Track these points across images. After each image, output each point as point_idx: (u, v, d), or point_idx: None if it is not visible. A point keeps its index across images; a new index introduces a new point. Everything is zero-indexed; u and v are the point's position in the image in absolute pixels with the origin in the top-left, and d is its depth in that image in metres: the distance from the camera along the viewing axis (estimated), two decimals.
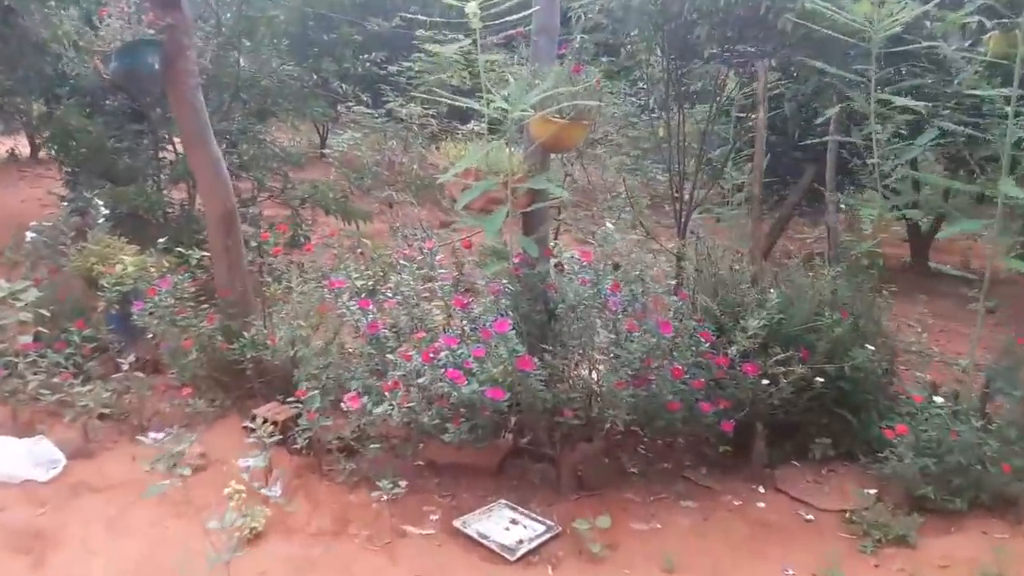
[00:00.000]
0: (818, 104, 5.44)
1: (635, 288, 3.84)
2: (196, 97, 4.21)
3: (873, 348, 4.09)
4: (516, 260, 3.64)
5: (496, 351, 3.39)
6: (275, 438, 3.74)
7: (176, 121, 4.37)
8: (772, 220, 7.38)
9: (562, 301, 3.83)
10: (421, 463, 4.02)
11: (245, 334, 4.41)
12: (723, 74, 5.51)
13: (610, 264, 3.90)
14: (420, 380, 3.45)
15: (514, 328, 3.72)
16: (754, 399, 3.97)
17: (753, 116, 5.94)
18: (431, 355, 3.40)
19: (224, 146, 6.81)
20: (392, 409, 3.43)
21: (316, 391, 3.93)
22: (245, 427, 4.34)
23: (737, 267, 4.33)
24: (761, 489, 4.09)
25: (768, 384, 3.92)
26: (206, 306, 4.65)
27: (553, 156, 4.48)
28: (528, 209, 3.65)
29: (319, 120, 9.85)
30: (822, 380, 3.96)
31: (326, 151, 11.97)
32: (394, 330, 4.09)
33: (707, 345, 3.91)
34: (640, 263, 4.16)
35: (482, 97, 3.48)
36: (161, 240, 5.30)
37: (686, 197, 5.36)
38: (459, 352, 3.45)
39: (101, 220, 5.43)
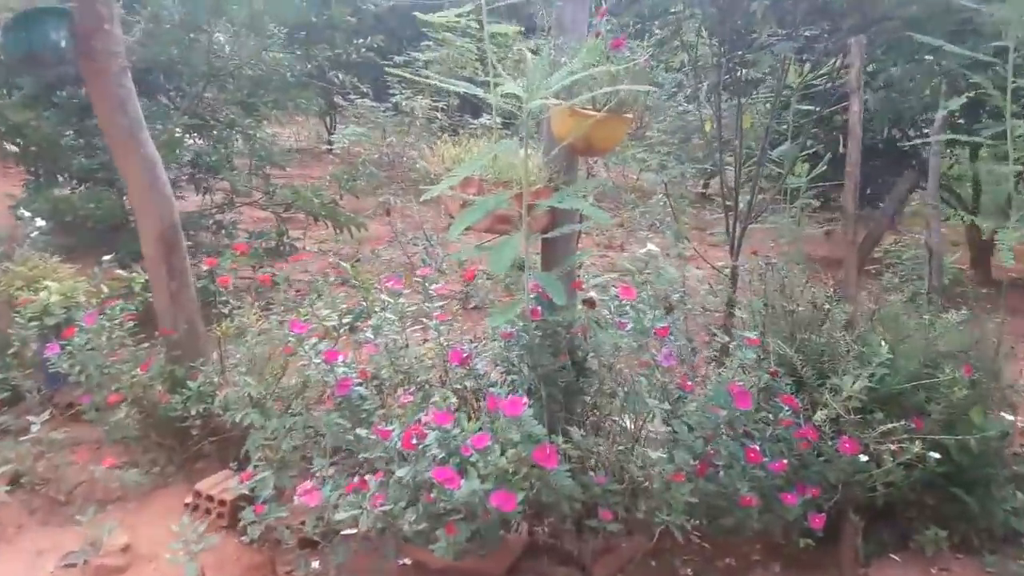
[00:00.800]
0: (912, 95, 4.41)
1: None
2: (121, 84, 3.26)
3: (1009, 415, 3.10)
4: (533, 300, 2.68)
5: (505, 433, 2.43)
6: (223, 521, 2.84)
7: (97, 115, 3.43)
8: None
9: (593, 352, 2.87)
10: (407, 563, 3.06)
11: (190, 383, 3.48)
12: (786, 58, 4.50)
13: (657, 300, 2.92)
14: (400, 473, 2.49)
15: (530, 395, 2.76)
16: (848, 481, 3.00)
17: (809, 107, 4.96)
18: (414, 439, 2.44)
19: (209, 143, 5.91)
20: (361, 513, 2.47)
21: (268, 471, 2.99)
22: (187, 504, 3.43)
23: (821, 302, 3.33)
24: None
25: (867, 461, 2.94)
26: (147, 346, 3.73)
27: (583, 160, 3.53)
28: (550, 235, 2.67)
29: (309, 113, 8.90)
30: (938, 456, 2.98)
31: (334, 147, 11.09)
32: (375, 383, 3.15)
33: (789, 411, 2.94)
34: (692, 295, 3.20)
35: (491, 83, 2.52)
36: (106, 258, 4.37)
37: (741, 205, 4.36)
38: (453, 433, 2.49)
39: (35, 233, 4.50)
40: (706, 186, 10.92)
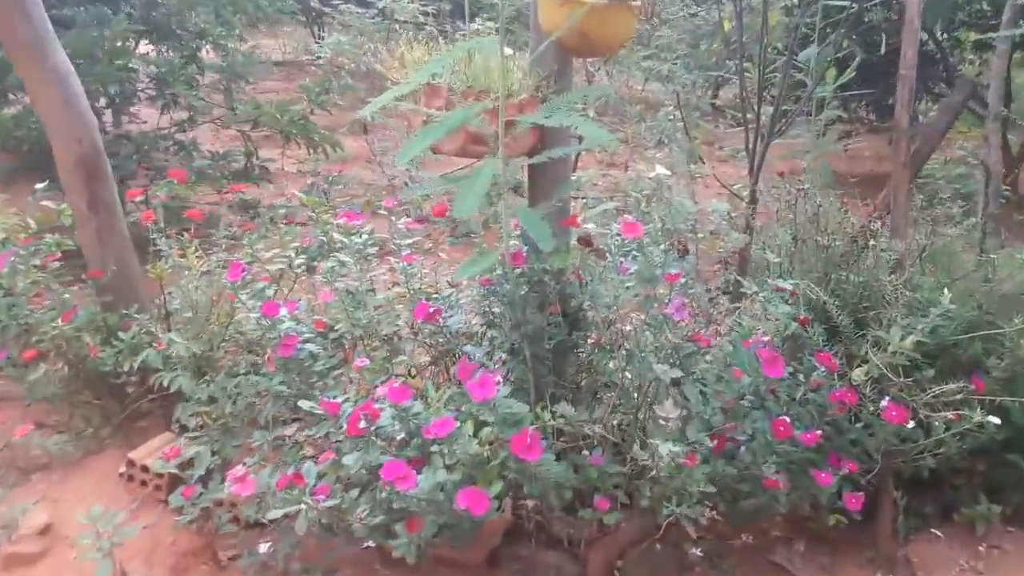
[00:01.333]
0: None
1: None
2: None
3: None
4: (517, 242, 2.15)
5: (478, 412, 1.94)
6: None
7: None
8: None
9: (590, 303, 2.36)
10: (371, 546, 2.62)
11: (122, 335, 2.99)
12: None
13: (670, 243, 2.39)
14: (347, 462, 2.01)
15: (512, 354, 2.27)
16: (889, 450, 2.53)
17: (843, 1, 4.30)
18: (362, 422, 1.95)
19: (179, 57, 5.27)
20: (303, 511, 2.00)
21: (202, 445, 2.52)
22: (122, 474, 2.98)
23: (861, 235, 2.78)
24: None
25: (914, 427, 2.46)
26: (75, 290, 3.22)
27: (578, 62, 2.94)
28: (536, 159, 2.12)
29: (292, 22, 8.19)
30: (998, 422, 2.48)
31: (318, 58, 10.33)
32: (334, 338, 2.65)
33: (823, 370, 2.44)
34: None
35: None
36: (39, 186, 3.82)
37: (763, 119, 3.77)
38: (413, 411, 2.00)
39: None
40: (715, 96, 10.21)
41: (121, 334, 2.99)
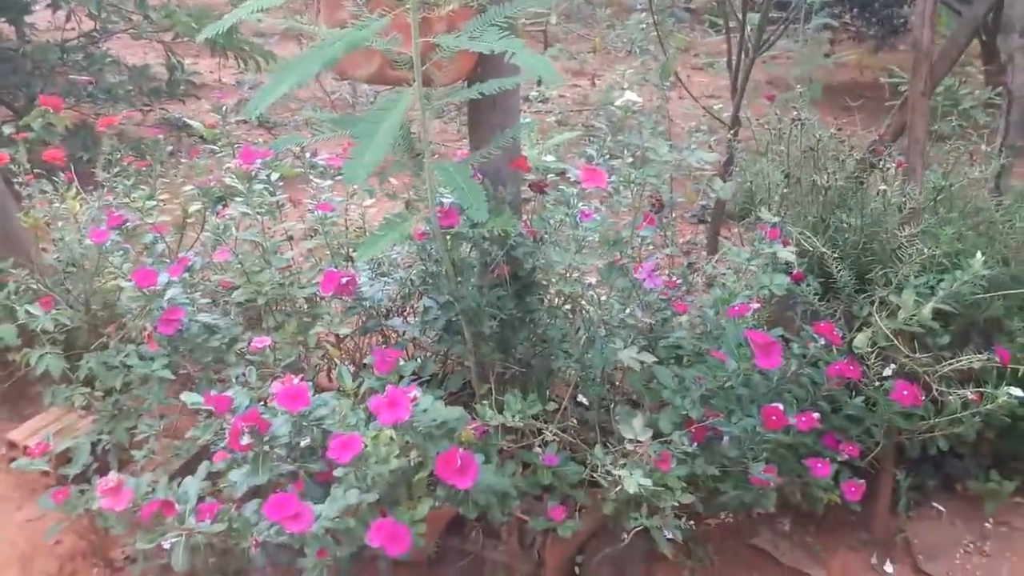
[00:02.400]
0: None
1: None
2: None
3: None
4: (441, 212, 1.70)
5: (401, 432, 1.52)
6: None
7: None
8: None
9: (539, 264, 1.93)
10: None
11: None
12: None
13: (643, 192, 1.94)
14: (234, 478, 1.59)
15: (448, 331, 1.84)
16: (891, 427, 2.17)
17: None
18: (245, 435, 1.53)
19: None
20: (178, 542, 1.59)
21: (81, 439, 2.10)
22: (3, 455, 2.56)
23: (865, 170, 2.35)
24: (888, 568, 2.36)
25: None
26: None
27: None
28: (467, 93, 1.63)
29: None
30: (1021, 396, 2.11)
31: None
32: (238, 306, 2.21)
33: (822, 342, 2.04)
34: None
35: None
36: None
37: (748, 30, 3.27)
38: (316, 416, 1.57)
39: None
40: None
41: None
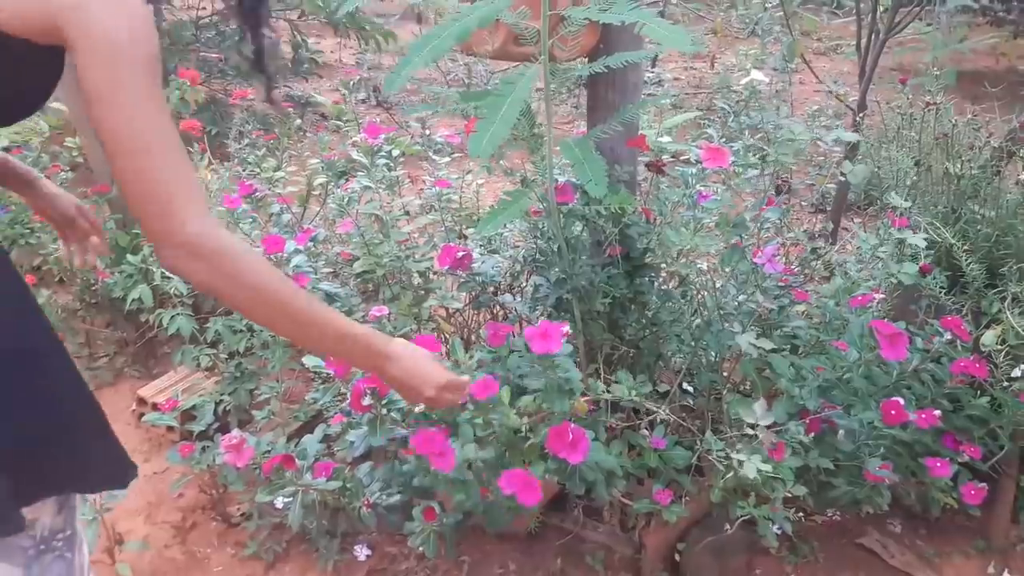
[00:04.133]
0: None
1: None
2: None
3: None
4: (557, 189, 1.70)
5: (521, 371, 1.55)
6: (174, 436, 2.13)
7: None
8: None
9: (655, 244, 1.91)
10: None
11: (131, 258, 2.67)
12: None
13: (768, 174, 1.89)
14: (351, 438, 1.65)
15: (559, 308, 1.86)
16: (1018, 431, 2.06)
17: None
18: (366, 397, 1.58)
19: None
20: (296, 498, 1.66)
21: (205, 400, 2.22)
22: (134, 411, 2.73)
23: (1002, 160, 2.22)
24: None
25: None
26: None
27: None
28: (594, 66, 1.63)
29: None
30: None
31: None
32: (356, 277, 2.28)
33: (948, 336, 1.95)
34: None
35: None
36: None
37: (880, 11, 3.13)
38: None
39: None
40: None
41: (130, 257, 2.68)
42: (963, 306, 2.18)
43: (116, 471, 1.20)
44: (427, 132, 2.34)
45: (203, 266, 0.97)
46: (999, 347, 1.96)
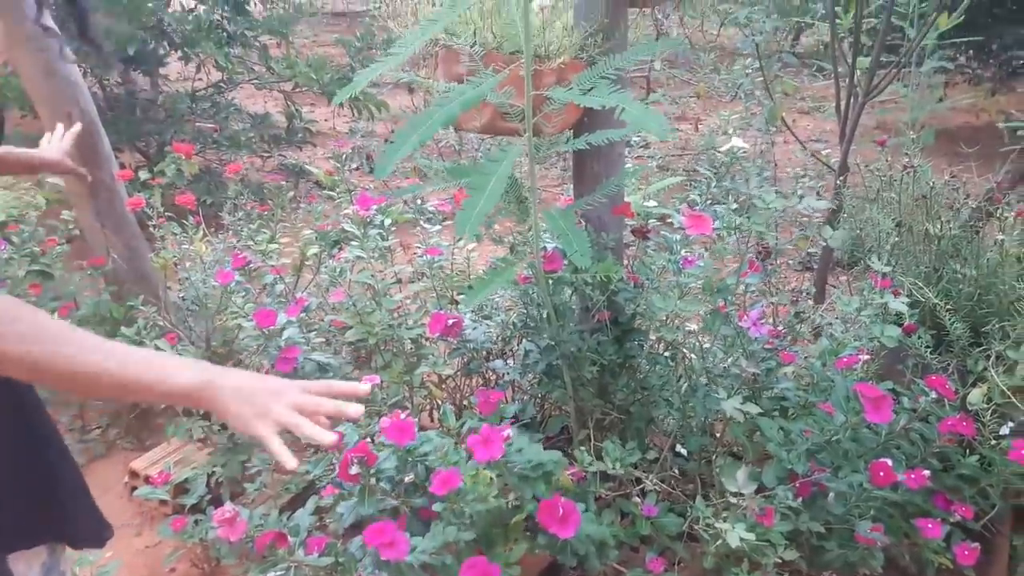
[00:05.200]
0: None
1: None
2: None
3: None
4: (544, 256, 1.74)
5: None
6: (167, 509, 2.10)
7: None
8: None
9: (640, 310, 1.94)
10: None
11: (125, 330, 2.69)
12: None
13: (748, 239, 1.93)
14: (341, 510, 1.65)
15: (549, 375, 1.87)
16: (1008, 489, 2.06)
17: None
18: (354, 466, 1.58)
19: (222, 10, 4.90)
20: (288, 572, 1.66)
21: (197, 472, 2.22)
22: (126, 483, 2.71)
23: (984, 222, 2.27)
24: None
25: None
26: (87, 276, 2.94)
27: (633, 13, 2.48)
28: (575, 143, 1.68)
29: None
30: None
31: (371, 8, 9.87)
32: (349, 345, 2.30)
33: (933, 395, 1.97)
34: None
35: None
36: None
37: (857, 74, 3.22)
38: (421, 452, 1.62)
39: None
40: (795, 41, 9.43)
41: (124, 329, 2.69)
42: (949, 365, 2.20)
43: (96, 529, 1.22)
44: (418, 201, 2.39)
45: None
46: (986, 405, 1.98)
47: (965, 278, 2.26)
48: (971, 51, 6.44)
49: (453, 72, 1.85)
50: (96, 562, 2.31)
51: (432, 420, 2.49)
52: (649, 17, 7.66)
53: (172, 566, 2.33)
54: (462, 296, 2.24)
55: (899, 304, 1.81)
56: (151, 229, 2.59)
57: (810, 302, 2.92)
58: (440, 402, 2.27)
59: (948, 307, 2.18)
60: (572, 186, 2.16)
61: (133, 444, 2.88)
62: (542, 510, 1.44)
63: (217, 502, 2.08)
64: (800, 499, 1.77)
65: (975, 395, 2.03)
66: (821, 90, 6.72)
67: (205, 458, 2.48)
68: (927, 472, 1.87)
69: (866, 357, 1.90)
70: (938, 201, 2.30)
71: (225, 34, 4.54)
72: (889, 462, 1.81)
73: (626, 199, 2.20)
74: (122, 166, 2.99)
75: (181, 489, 2.46)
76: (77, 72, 2.61)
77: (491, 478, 1.53)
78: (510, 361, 2.20)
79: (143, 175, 2.87)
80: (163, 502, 2.55)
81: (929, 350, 2.15)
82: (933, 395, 1.93)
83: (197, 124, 4.79)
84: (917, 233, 2.32)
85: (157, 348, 2.34)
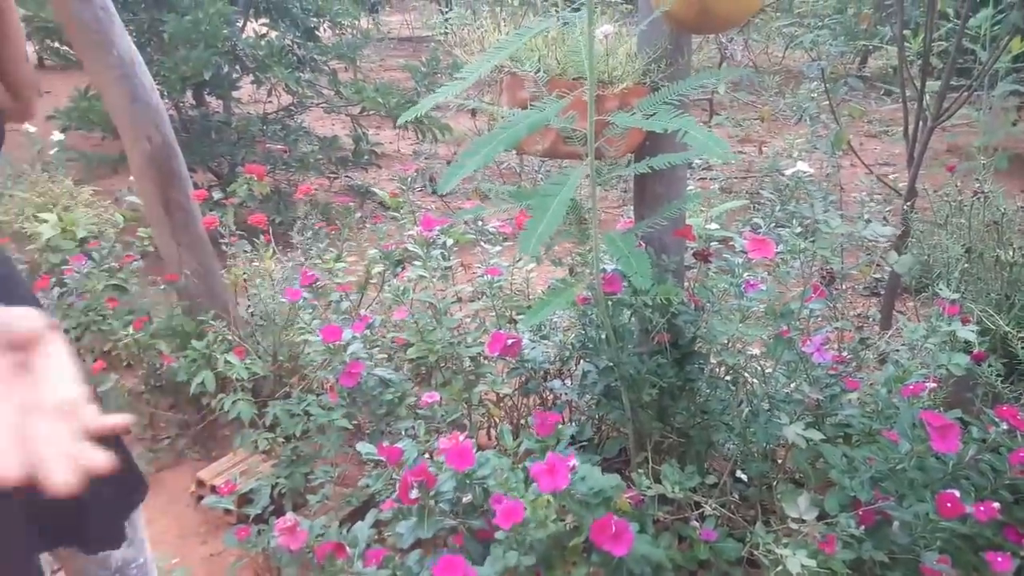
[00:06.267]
0: None
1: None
2: None
3: None
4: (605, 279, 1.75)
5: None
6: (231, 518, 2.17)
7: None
8: None
9: (703, 338, 1.94)
10: None
11: (195, 344, 2.79)
12: None
13: (812, 264, 1.92)
14: (400, 530, 1.68)
15: (608, 396, 1.88)
16: None
17: None
18: (414, 490, 1.61)
19: (295, 36, 5.06)
20: None
21: (264, 481, 2.28)
22: (193, 493, 2.79)
23: None
24: None
25: None
26: (161, 291, 3.06)
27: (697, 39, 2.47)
28: (637, 167, 1.70)
29: None
30: None
31: (436, 34, 10.08)
32: (410, 362, 2.34)
33: (1004, 426, 1.92)
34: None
35: None
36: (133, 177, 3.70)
37: (926, 98, 3.17)
38: (479, 476, 1.64)
39: (54, 149, 3.87)
40: (863, 65, 9.29)
41: (195, 343, 2.79)
42: (1021, 395, 2.14)
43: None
44: (479, 222, 2.43)
45: None
46: None
47: None
48: None
49: (517, 98, 1.88)
50: (163, 568, 2.40)
51: (490, 439, 2.52)
52: (713, 41, 7.64)
53: (236, 574, 2.39)
54: (521, 316, 2.27)
55: (967, 332, 1.77)
56: (223, 247, 2.68)
57: (876, 328, 2.87)
58: (498, 420, 2.29)
59: (1021, 335, 2.12)
60: (632, 208, 2.18)
61: (200, 454, 2.96)
62: (595, 529, 1.45)
63: (280, 513, 2.13)
64: (863, 527, 1.74)
65: None
66: (889, 113, 6.61)
67: (269, 469, 2.54)
68: (997, 504, 1.82)
69: (933, 385, 1.86)
70: (1010, 227, 2.24)
71: (295, 59, 4.69)
72: (957, 493, 1.77)
73: (688, 221, 2.20)
74: (196, 186, 3.11)
75: (245, 499, 2.53)
76: (157, 97, 2.73)
77: (549, 502, 1.55)
78: (568, 381, 2.21)
79: (216, 195, 2.99)
80: (228, 512, 2.62)
81: (1000, 379, 2.09)
82: (1004, 426, 1.88)
83: (267, 146, 4.94)
84: (988, 260, 2.27)
85: (227, 362, 2.41)
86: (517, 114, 1.49)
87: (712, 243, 2.42)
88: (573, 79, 1.87)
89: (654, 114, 1.40)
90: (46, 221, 3.22)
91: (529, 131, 1.37)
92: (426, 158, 6.29)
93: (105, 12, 2.55)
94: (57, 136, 4.06)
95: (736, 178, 5.84)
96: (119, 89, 2.62)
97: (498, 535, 1.51)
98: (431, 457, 1.84)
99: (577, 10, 1.71)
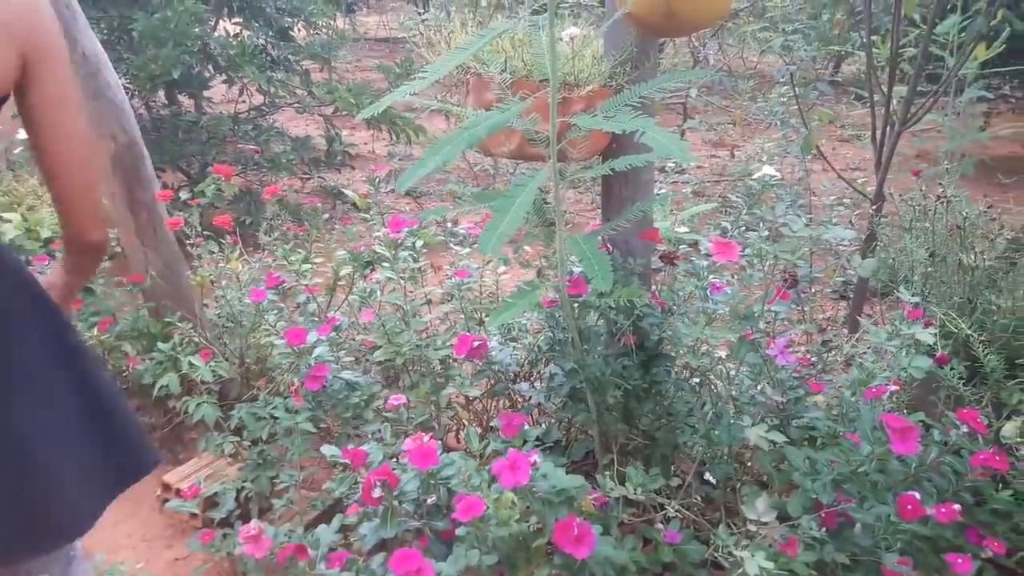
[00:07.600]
0: None
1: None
2: None
3: None
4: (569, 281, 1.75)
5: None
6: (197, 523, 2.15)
7: None
8: None
9: (667, 335, 1.94)
10: None
11: (162, 345, 2.75)
12: None
13: (775, 268, 1.93)
14: (363, 531, 1.67)
15: (573, 398, 1.88)
16: None
17: None
18: (377, 489, 1.60)
19: (268, 35, 5.02)
20: None
21: (227, 486, 2.25)
22: (158, 496, 2.76)
23: (1021, 253, 2.24)
24: None
25: None
26: (126, 292, 3.02)
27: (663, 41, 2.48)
28: (599, 169, 1.70)
29: None
30: None
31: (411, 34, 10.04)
32: (378, 364, 2.33)
33: (965, 429, 1.94)
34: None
35: None
36: None
37: (894, 103, 3.20)
38: (443, 476, 1.64)
39: (19, 148, 3.82)
40: (836, 70, 9.38)
41: (161, 344, 2.76)
42: (982, 397, 2.16)
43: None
44: (449, 224, 2.42)
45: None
46: (1020, 439, 1.95)
47: (1000, 309, 2.22)
48: (1016, 80, 6.36)
49: (483, 99, 1.88)
50: (128, 572, 2.36)
51: (458, 441, 2.51)
52: (687, 44, 7.68)
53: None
54: (488, 318, 2.27)
55: (926, 335, 1.79)
56: (189, 248, 2.65)
57: (844, 330, 2.89)
58: (466, 423, 2.28)
59: (982, 339, 2.15)
60: (600, 211, 2.18)
61: (166, 457, 2.93)
62: (557, 531, 1.45)
63: (246, 517, 2.11)
64: (825, 529, 1.75)
65: (1009, 428, 2.00)
66: (861, 118, 6.67)
67: (235, 473, 2.52)
68: (958, 506, 1.83)
69: (895, 388, 1.88)
70: (973, 231, 2.27)
71: (269, 58, 4.66)
72: (917, 495, 1.78)
73: (656, 225, 2.21)
74: (165, 186, 3.07)
75: (211, 503, 2.50)
76: (123, 95, 2.69)
77: (513, 502, 1.54)
78: (536, 384, 2.21)
79: (184, 195, 2.95)
80: (193, 515, 2.59)
81: (962, 382, 2.12)
82: (965, 428, 1.90)
83: (239, 146, 4.90)
84: (951, 263, 2.30)
85: (192, 364, 2.38)
86: (480, 115, 1.49)
87: (681, 246, 2.43)
88: (539, 81, 1.87)
89: (614, 116, 1.40)
90: (10, 221, 3.17)
91: (489, 132, 1.36)
92: (400, 159, 6.27)
93: (69, 9, 2.52)
94: (22, 135, 4.00)
95: (709, 182, 5.87)
96: (82, 85, 2.58)
97: (459, 531, 1.51)
98: (397, 460, 1.83)
99: (538, 13, 1.71)
